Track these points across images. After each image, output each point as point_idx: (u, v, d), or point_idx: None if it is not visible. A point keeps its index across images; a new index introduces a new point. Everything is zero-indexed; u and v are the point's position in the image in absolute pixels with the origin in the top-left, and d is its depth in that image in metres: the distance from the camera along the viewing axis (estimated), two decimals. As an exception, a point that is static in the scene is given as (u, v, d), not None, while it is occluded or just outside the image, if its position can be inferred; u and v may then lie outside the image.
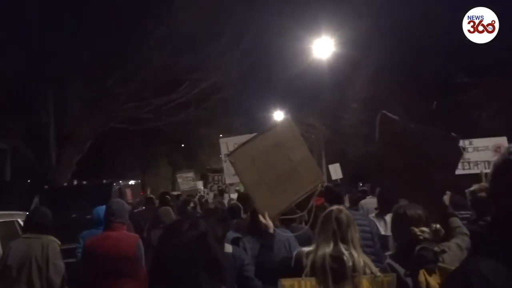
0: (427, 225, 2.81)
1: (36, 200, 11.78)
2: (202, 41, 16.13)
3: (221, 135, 14.21)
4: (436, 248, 2.65)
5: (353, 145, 27.31)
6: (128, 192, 13.16)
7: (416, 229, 2.75)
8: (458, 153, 3.72)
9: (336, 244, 2.66)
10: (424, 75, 22.53)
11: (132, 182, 14.65)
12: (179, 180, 16.46)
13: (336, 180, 16.48)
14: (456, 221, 3.34)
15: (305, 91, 30.19)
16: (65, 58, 14.46)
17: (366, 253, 3.15)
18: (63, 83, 14.91)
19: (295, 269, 2.71)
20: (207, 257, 1.72)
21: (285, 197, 3.27)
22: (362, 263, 2.63)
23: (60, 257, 4.52)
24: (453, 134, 3.54)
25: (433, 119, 19.64)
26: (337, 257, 2.62)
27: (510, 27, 9.73)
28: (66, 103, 15.30)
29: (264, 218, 3.18)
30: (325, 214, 2.82)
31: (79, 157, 16.61)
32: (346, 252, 2.62)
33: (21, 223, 5.80)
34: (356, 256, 2.64)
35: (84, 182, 12.72)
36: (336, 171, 16.91)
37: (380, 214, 4.96)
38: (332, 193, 4.75)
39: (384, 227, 4.73)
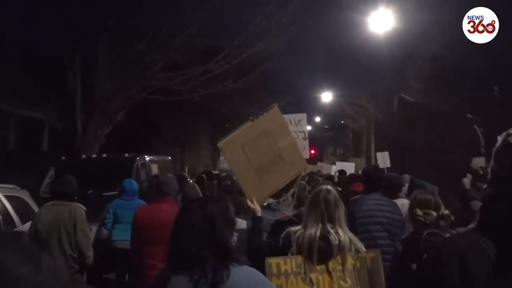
0: (436, 210, 2.90)
1: (51, 172, 10.64)
2: (245, 3, 14.29)
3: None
4: (448, 235, 2.61)
5: (409, 131, 24.70)
6: (154, 168, 11.73)
7: (419, 211, 2.91)
8: (475, 135, 3.69)
9: (323, 224, 2.73)
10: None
11: (161, 157, 13.12)
12: (220, 158, 16.22)
13: (382, 169, 14.73)
14: (477, 204, 3.27)
15: (358, 69, 27.86)
16: (92, 19, 13.09)
17: (396, 241, 3.78)
18: (91, 47, 13.58)
19: (283, 249, 2.78)
20: (213, 237, 1.76)
21: (271, 182, 3.45)
22: (348, 241, 2.72)
23: (86, 222, 4.82)
24: (469, 116, 3.71)
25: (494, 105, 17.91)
26: (323, 236, 2.70)
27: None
28: (94, 69, 13.99)
29: (252, 202, 3.26)
30: (314, 195, 2.91)
31: (108, 129, 15.42)
32: (332, 231, 2.71)
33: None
34: (342, 234, 2.72)
35: (104, 155, 11.35)
36: (384, 160, 15.70)
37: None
38: (370, 179, 4.70)
39: None
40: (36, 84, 15.44)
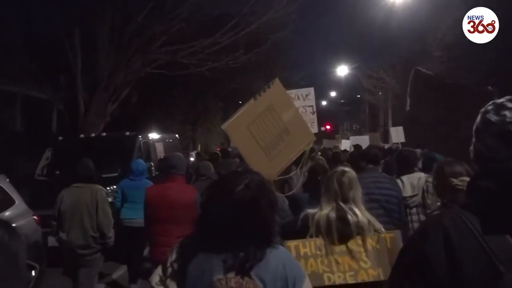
0: (470, 176, 2.53)
1: (47, 153, 9.98)
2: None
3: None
4: None
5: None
6: (159, 147, 11.00)
7: (455, 180, 2.73)
8: None
9: (338, 205, 2.69)
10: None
11: (167, 135, 12.36)
12: None
13: (397, 143, 15.25)
14: None
15: (375, 40, 26.56)
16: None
17: (392, 217, 3.97)
18: (90, 20, 12.73)
19: (301, 232, 2.72)
20: (256, 221, 1.72)
21: (281, 158, 3.43)
22: (366, 221, 2.67)
23: (108, 203, 4.97)
24: (490, 87, 3.68)
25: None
26: (341, 217, 2.66)
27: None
28: (95, 42, 13.16)
29: None
30: (328, 176, 2.88)
31: (114, 107, 14.69)
32: (350, 212, 2.67)
33: None
34: (360, 214, 2.67)
35: (104, 134, 10.61)
36: (398, 134, 15.37)
37: (398, 175, 4.93)
38: (366, 157, 4.70)
39: (402, 189, 4.63)
40: (38, 63, 14.75)
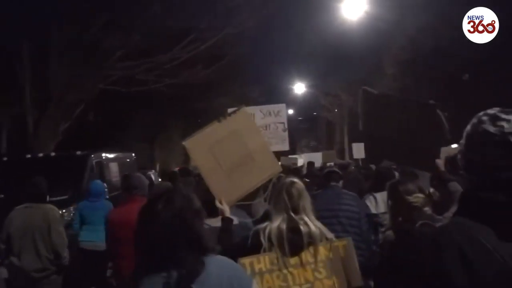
0: (422, 192, 2.99)
1: (-11, 174, 9.23)
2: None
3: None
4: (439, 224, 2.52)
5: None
6: (114, 167, 10.45)
7: (410, 197, 2.91)
8: (439, 120, 3.69)
9: (288, 215, 2.67)
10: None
11: (123, 154, 11.79)
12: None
13: (357, 160, 16.07)
14: (454, 186, 3.36)
15: (331, 58, 27.05)
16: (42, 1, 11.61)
17: (350, 232, 3.99)
18: (41, 31, 12.09)
19: (253, 247, 2.68)
20: (186, 234, 1.71)
21: (242, 184, 3.32)
22: (318, 231, 2.65)
23: (61, 223, 4.85)
24: (431, 101, 3.70)
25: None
26: (293, 228, 2.63)
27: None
28: (46, 56, 12.50)
29: (221, 203, 3.16)
30: (277, 188, 2.86)
31: (66, 125, 13.97)
32: (300, 222, 2.65)
33: None
34: (311, 224, 2.66)
35: (53, 153, 9.97)
36: (359, 151, 16.10)
37: (370, 192, 4.95)
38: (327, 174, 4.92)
39: (374, 206, 4.68)
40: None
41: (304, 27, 32.24)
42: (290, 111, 54.10)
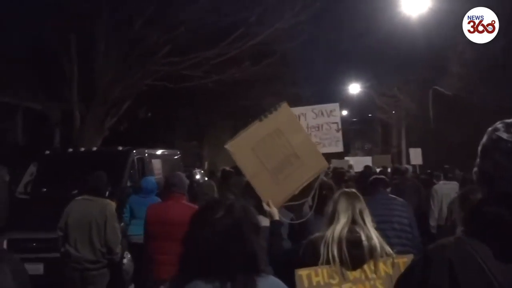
0: None
1: (31, 169, 9.10)
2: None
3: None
4: None
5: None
6: (157, 164, 10.07)
7: None
8: None
9: (350, 228, 2.56)
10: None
11: (167, 151, 11.43)
12: None
13: (414, 166, 15.02)
14: None
15: (390, 57, 25.63)
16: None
17: (402, 238, 4.10)
18: (88, 25, 11.99)
19: (307, 257, 2.60)
20: (242, 247, 1.64)
21: (289, 184, 3.23)
22: (379, 245, 2.52)
23: (117, 219, 4.94)
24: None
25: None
26: (354, 241, 2.51)
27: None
28: (92, 53, 12.41)
29: (269, 206, 3.08)
30: (337, 198, 2.74)
31: (112, 121, 13.87)
32: (363, 235, 2.52)
33: None
34: (374, 237, 2.54)
35: (94, 148, 9.73)
36: (416, 156, 15.02)
37: None
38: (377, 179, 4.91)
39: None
40: (34, 73, 14.05)
41: (361, 24, 30.97)
42: (344, 112, 52.78)
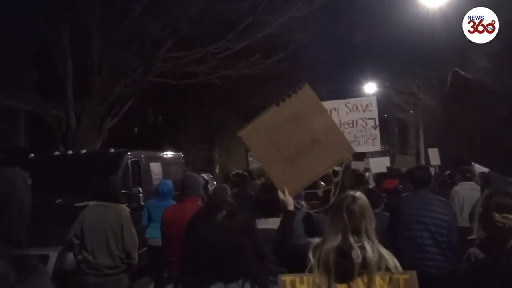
0: None
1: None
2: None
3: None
4: None
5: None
6: (155, 167, 9.03)
7: (498, 215, 2.62)
8: None
9: (345, 237, 2.42)
10: None
11: (168, 154, 10.38)
12: (250, 159, 15.25)
13: (434, 166, 14.16)
14: None
15: (408, 52, 24.36)
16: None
17: (438, 241, 4.10)
18: (81, 17, 11.00)
19: (298, 260, 2.55)
20: (250, 247, 1.65)
21: (307, 171, 3.10)
22: (376, 257, 2.37)
23: (132, 224, 4.90)
24: None
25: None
26: (344, 251, 2.38)
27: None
28: (87, 43, 11.41)
29: (284, 194, 2.96)
30: (337, 203, 2.63)
31: (112, 122, 12.88)
32: (356, 246, 2.37)
33: None
34: (369, 249, 2.37)
35: (84, 151, 8.71)
36: (435, 156, 14.27)
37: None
38: (416, 177, 4.70)
39: None
40: (27, 72, 13.17)
41: (378, 19, 29.79)
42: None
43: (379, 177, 9.04)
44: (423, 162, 25.69)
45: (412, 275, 2.42)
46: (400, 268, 2.41)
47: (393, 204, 5.20)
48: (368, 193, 4.85)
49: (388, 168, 11.82)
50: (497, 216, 2.60)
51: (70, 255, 6.26)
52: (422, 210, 4.24)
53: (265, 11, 11.80)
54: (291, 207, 2.95)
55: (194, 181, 4.74)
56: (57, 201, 6.98)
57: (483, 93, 3.52)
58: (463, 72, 3.65)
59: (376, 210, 4.38)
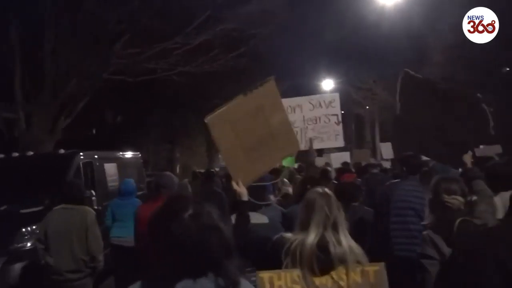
0: (463, 197, 2.88)
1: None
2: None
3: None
4: (476, 221, 2.73)
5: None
6: (111, 168, 8.58)
7: (447, 197, 2.83)
8: (484, 115, 3.71)
9: (325, 231, 2.45)
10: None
11: (124, 154, 9.92)
12: (220, 156, 14.50)
13: (387, 160, 14.97)
14: (479, 184, 3.39)
15: (364, 47, 24.75)
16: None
17: (411, 230, 4.15)
18: (32, 8, 10.35)
19: (270, 255, 2.52)
20: (219, 243, 1.61)
21: (261, 164, 3.19)
22: (349, 251, 2.42)
23: (98, 226, 4.81)
24: (479, 95, 3.77)
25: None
26: (322, 246, 2.41)
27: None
28: (38, 42, 10.76)
29: (238, 185, 2.98)
30: (310, 199, 2.58)
31: (67, 121, 12.23)
32: (333, 239, 2.42)
33: None
34: (344, 243, 2.43)
35: (31, 153, 8.14)
36: (387, 151, 14.45)
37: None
38: (408, 164, 4.74)
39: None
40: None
41: (336, 15, 30.12)
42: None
43: (339, 171, 9.10)
44: (378, 156, 26.29)
45: (381, 266, 2.48)
46: (366, 259, 2.46)
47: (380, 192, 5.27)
48: (349, 186, 4.92)
49: (345, 163, 11.99)
50: (446, 197, 2.81)
51: (15, 267, 5.90)
52: (413, 197, 4.31)
53: (225, 4, 11.54)
54: (245, 197, 2.96)
55: (169, 180, 4.69)
56: (1, 208, 6.51)
57: (434, 93, 3.66)
58: (413, 73, 3.80)
59: (355, 204, 4.50)
